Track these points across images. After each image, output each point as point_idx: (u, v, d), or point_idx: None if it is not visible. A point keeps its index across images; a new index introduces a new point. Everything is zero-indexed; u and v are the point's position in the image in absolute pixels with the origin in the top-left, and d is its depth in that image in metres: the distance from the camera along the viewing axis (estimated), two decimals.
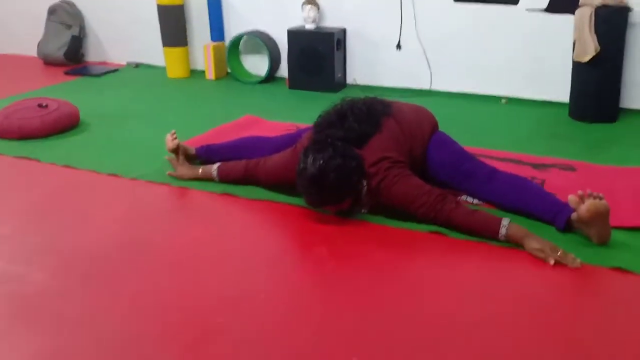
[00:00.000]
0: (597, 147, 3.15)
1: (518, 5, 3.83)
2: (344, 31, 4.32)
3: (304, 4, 4.26)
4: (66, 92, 4.17)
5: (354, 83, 4.42)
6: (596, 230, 2.04)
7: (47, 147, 3.18)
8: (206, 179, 2.65)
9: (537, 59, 3.87)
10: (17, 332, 1.68)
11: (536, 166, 2.77)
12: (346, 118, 2.31)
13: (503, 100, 4.00)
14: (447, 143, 2.49)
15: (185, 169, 2.70)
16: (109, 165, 2.88)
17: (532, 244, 1.99)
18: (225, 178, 2.61)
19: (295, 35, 4.28)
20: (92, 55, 5.50)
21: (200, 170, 2.66)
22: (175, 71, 4.85)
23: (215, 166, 2.64)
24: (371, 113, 2.36)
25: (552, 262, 1.92)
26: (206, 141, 2.98)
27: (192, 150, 2.83)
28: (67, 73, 5.00)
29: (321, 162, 2.14)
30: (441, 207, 2.13)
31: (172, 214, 2.47)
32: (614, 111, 3.57)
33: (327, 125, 2.33)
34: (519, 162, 2.81)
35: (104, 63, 5.42)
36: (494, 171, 2.38)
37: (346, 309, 1.76)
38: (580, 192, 2.02)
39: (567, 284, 1.91)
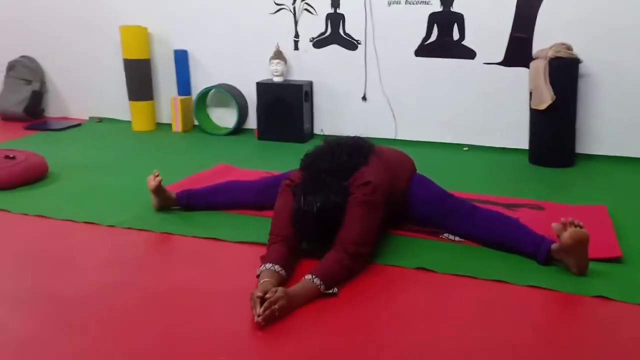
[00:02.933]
0: (558, 189, 3.31)
1: (475, 59, 4.07)
2: (311, 84, 4.46)
3: (271, 58, 4.38)
4: (28, 146, 4.05)
5: (322, 133, 4.53)
6: (576, 260, 2.13)
7: (16, 198, 3.09)
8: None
9: (496, 109, 4.08)
10: None
11: (508, 206, 2.89)
12: (334, 152, 2.37)
13: (465, 148, 4.17)
14: (428, 183, 2.58)
15: None
16: (84, 214, 2.82)
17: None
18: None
19: (264, 88, 4.38)
20: (53, 110, 5.44)
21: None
22: (141, 124, 4.85)
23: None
24: (358, 147, 2.43)
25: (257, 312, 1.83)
26: (183, 188, 2.96)
27: (173, 194, 2.82)
28: (27, 128, 4.92)
29: (318, 204, 2.18)
30: (349, 253, 2.11)
31: (158, 258, 2.43)
32: (570, 156, 3.78)
33: (317, 157, 2.39)
34: (491, 202, 2.92)
35: (65, 118, 5.36)
36: (474, 207, 2.47)
37: (342, 331, 1.77)
38: (563, 219, 2.12)
39: (559, 314, 1.99)
